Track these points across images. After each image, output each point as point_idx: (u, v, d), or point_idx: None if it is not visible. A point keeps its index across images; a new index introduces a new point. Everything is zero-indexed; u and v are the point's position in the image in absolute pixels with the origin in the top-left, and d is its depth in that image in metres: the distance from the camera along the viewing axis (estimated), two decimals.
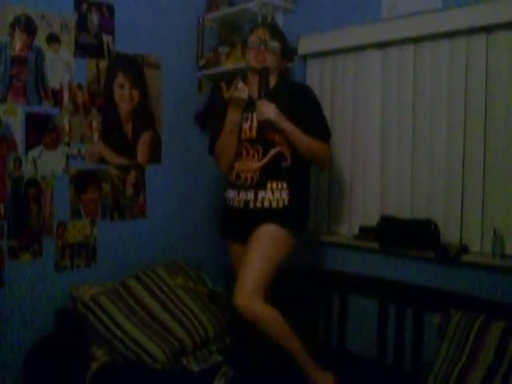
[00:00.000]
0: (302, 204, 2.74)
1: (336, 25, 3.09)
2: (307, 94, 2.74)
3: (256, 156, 2.64)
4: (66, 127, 3.03)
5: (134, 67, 3.29)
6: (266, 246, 2.57)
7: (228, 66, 3.42)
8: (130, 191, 3.32)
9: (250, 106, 2.61)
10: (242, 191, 2.65)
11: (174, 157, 3.52)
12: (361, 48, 3.06)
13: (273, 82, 2.69)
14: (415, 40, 2.86)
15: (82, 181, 3.11)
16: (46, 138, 2.96)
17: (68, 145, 3.04)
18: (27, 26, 2.86)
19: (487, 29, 2.63)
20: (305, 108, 2.66)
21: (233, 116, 2.62)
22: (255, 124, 2.63)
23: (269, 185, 2.61)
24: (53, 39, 2.96)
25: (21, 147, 2.88)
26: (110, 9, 3.17)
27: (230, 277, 3.35)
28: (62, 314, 2.96)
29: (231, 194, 2.71)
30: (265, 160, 2.62)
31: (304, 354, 2.51)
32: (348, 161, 3.18)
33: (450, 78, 2.78)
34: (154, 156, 3.42)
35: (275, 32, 2.73)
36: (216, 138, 2.74)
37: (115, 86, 3.22)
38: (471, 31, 2.67)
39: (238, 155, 2.68)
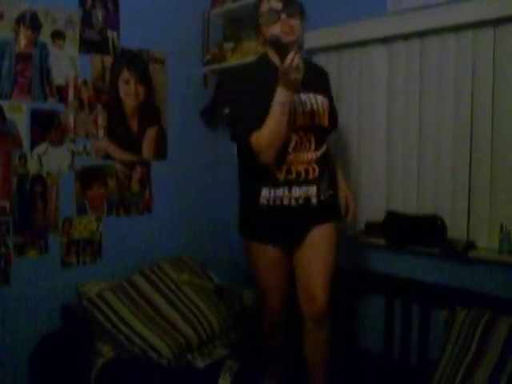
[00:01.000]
0: (336, 188, 2.57)
1: (341, 19, 3.06)
2: (328, 77, 2.62)
3: (308, 146, 2.36)
4: (71, 123, 3.03)
5: (139, 63, 3.28)
6: (332, 248, 2.45)
7: (233, 61, 3.40)
8: (135, 187, 3.31)
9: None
10: (296, 186, 2.33)
11: (179, 152, 3.52)
12: (366, 43, 3.03)
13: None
14: (421, 34, 2.83)
15: (88, 177, 3.12)
16: (51, 134, 2.96)
17: (73, 141, 3.04)
18: (32, 22, 2.86)
19: (494, 22, 2.59)
20: (330, 93, 2.53)
21: (288, 95, 2.16)
22: (308, 108, 2.33)
23: (326, 175, 2.41)
24: (57, 35, 2.96)
25: (26, 144, 2.88)
26: (115, 4, 3.16)
27: (239, 274, 3.38)
28: (67, 311, 2.96)
29: (277, 192, 2.34)
30: (321, 150, 2.40)
31: (326, 368, 2.50)
32: (354, 156, 3.16)
33: (456, 72, 2.75)
34: (160, 152, 3.42)
35: None
36: (253, 121, 2.25)
37: (120, 82, 3.21)
38: (478, 25, 2.63)
39: (289, 146, 2.32)
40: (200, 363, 2.78)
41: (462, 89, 2.73)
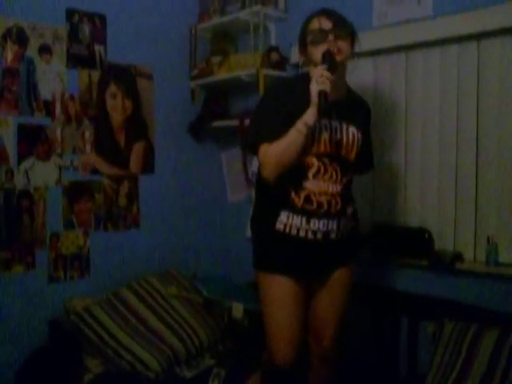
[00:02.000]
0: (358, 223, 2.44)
1: None
2: (369, 113, 2.43)
3: (334, 177, 2.19)
4: (59, 138, 3.03)
5: (126, 77, 3.29)
6: (348, 294, 2.39)
7: (221, 75, 3.41)
8: (123, 201, 3.31)
9: (329, 111, 2.13)
10: (315, 219, 2.16)
11: (167, 166, 3.52)
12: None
13: (343, 88, 2.27)
14: (406, 48, 2.86)
15: (75, 192, 3.11)
16: (38, 149, 2.96)
17: (60, 156, 3.04)
18: (19, 38, 2.87)
19: (478, 36, 2.62)
20: (368, 129, 2.37)
21: (311, 113, 2.03)
22: (336, 137, 2.17)
23: (348, 211, 2.27)
24: (44, 50, 2.96)
25: (13, 158, 2.88)
26: (102, 19, 3.17)
27: (227, 287, 3.37)
28: (55, 326, 2.95)
29: (295, 220, 2.17)
30: (344, 182, 2.22)
31: None
32: None
33: (441, 86, 2.77)
34: (147, 166, 3.42)
35: (339, 18, 2.19)
36: (269, 133, 2.12)
37: (107, 97, 3.22)
38: (462, 38, 2.66)
39: (309, 171, 2.17)
40: (187, 374, 2.79)
41: (447, 101, 2.76)
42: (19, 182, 2.90)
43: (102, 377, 2.70)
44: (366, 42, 2.90)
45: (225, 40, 3.55)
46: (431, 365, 2.46)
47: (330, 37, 2.12)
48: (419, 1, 2.75)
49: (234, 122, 3.31)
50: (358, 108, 2.34)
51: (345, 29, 2.17)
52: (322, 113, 2.02)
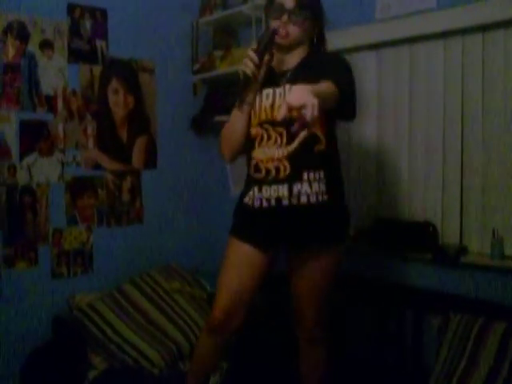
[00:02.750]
0: (342, 197, 2.31)
1: (330, 26, 3.06)
2: (340, 61, 2.29)
3: (279, 141, 2.15)
4: (61, 134, 3.02)
5: (128, 72, 3.28)
6: (333, 279, 2.32)
7: (223, 69, 3.40)
8: (126, 197, 3.30)
9: (272, 80, 2.20)
10: (266, 186, 2.16)
11: (169, 161, 3.51)
12: (356, 49, 3.04)
13: (303, 53, 2.26)
14: (410, 40, 2.84)
15: (78, 187, 3.10)
16: (40, 144, 2.95)
17: (63, 151, 3.03)
18: (20, 33, 2.86)
19: (483, 28, 2.60)
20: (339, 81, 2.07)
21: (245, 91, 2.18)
22: (278, 102, 2.14)
23: (305, 175, 2.14)
24: (46, 45, 2.95)
25: (15, 154, 2.87)
26: (103, 13, 3.16)
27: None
28: (58, 322, 2.95)
29: (250, 191, 2.23)
30: (294, 145, 2.11)
31: None
32: (343, 162, 3.15)
33: (445, 78, 2.76)
34: (150, 161, 3.41)
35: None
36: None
37: (109, 92, 3.21)
38: (466, 30, 2.65)
39: (256, 141, 2.20)
40: None
41: (451, 94, 2.74)
42: (22, 177, 2.89)
43: (107, 373, 2.70)
44: (368, 34, 2.94)
45: (227, 34, 3.54)
46: (437, 359, 2.45)
47: (284, 17, 2.15)
48: None
49: None
50: (316, 64, 2.21)
51: (304, 12, 2.18)
52: (243, 90, 2.17)
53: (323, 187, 2.16)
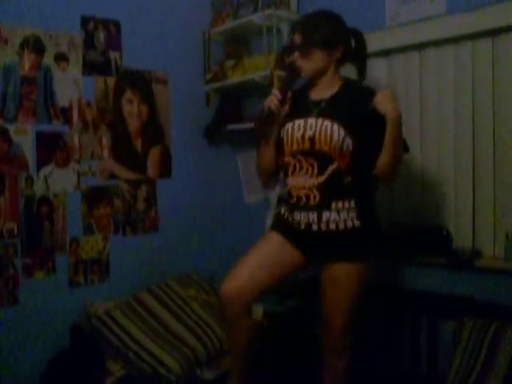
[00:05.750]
0: (374, 223, 2.40)
1: None
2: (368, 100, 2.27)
3: (310, 171, 2.29)
4: (76, 144, 3.06)
5: (141, 83, 3.32)
6: (355, 289, 2.35)
7: (235, 78, 3.44)
8: (141, 206, 3.34)
9: (305, 110, 2.34)
10: (297, 211, 2.32)
11: (184, 170, 3.54)
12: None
13: (337, 83, 2.35)
14: (420, 46, 2.86)
15: (94, 197, 3.14)
16: (56, 155, 2.99)
17: (79, 162, 3.07)
18: (36, 46, 2.91)
19: (492, 32, 2.62)
20: (375, 122, 2.21)
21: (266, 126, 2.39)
22: (309, 133, 2.28)
23: (333, 205, 2.27)
24: (61, 58, 3.00)
25: (32, 166, 2.91)
26: (117, 26, 3.20)
27: None
28: (76, 330, 2.97)
29: (286, 211, 2.41)
30: (324, 176, 2.27)
31: None
32: None
33: (456, 83, 2.78)
34: (164, 170, 3.44)
35: (308, 27, 2.32)
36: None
37: (124, 102, 3.25)
38: (476, 35, 2.67)
39: (289, 169, 2.36)
40: (208, 376, 2.81)
41: (461, 99, 2.76)
42: (39, 188, 2.93)
43: (124, 380, 2.72)
44: (379, 41, 2.96)
45: (238, 43, 3.58)
46: (451, 363, 2.45)
47: (295, 53, 2.33)
48: None
49: (249, 125, 3.33)
50: (349, 101, 2.32)
51: (310, 45, 2.30)
52: (265, 123, 2.36)
53: (353, 215, 2.28)
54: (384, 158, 2.22)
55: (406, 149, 2.36)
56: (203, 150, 3.65)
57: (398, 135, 2.20)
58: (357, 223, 2.29)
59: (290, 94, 2.33)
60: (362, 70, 2.44)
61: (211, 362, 2.89)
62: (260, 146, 2.46)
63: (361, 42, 2.42)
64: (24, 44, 2.87)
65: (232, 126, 3.50)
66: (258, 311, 3.14)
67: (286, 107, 2.34)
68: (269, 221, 3.51)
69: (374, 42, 2.96)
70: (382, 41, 2.95)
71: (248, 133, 3.36)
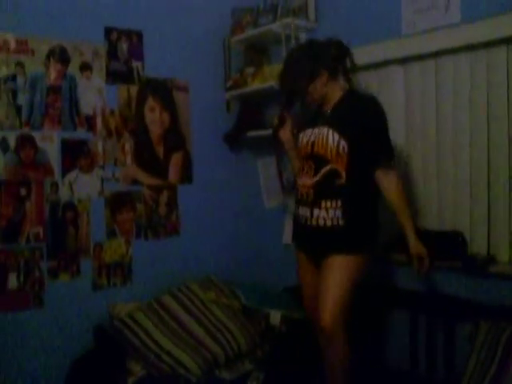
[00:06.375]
0: (362, 222, 2.62)
1: (358, 42, 3.13)
2: (372, 108, 2.61)
3: (309, 172, 2.63)
4: (100, 151, 3.16)
5: (163, 91, 3.41)
6: (337, 276, 2.55)
7: (255, 85, 3.49)
8: (163, 210, 3.42)
9: (315, 120, 2.68)
10: (302, 206, 2.68)
11: (204, 176, 3.61)
12: (383, 64, 3.11)
13: (339, 92, 2.65)
14: (436, 54, 2.90)
15: (117, 202, 3.23)
16: (81, 162, 3.09)
17: (102, 168, 3.17)
18: (61, 56, 3.01)
19: (507, 40, 2.64)
20: (369, 127, 2.56)
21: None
22: (311, 139, 2.64)
23: (323, 203, 2.58)
24: (85, 67, 3.10)
25: (57, 172, 3.01)
26: (139, 36, 3.30)
27: (265, 294, 3.44)
28: (99, 331, 3.05)
29: (296, 208, 2.77)
30: (317, 177, 2.60)
31: None
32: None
33: (471, 90, 2.81)
34: (186, 175, 3.52)
35: (285, 82, 2.71)
36: None
37: (146, 110, 3.34)
38: (491, 43, 2.69)
39: (299, 171, 2.74)
40: (227, 376, 2.88)
41: (477, 106, 2.79)
42: (64, 194, 3.03)
43: (145, 379, 2.79)
44: (395, 49, 3.01)
45: (258, 51, 3.64)
46: (467, 365, 2.48)
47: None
48: (447, 8, 2.79)
49: (269, 132, 3.38)
50: (347, 110, 2.63)
51: (298, 93, 2.69)
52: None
53: (339, 214, 2.57)
54: (390, 199, 2.65)
55: (390, 156, 2.62)
56: (224, 156, 3.72)
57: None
58: (341, 222, 2.57)
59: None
60: (348, 78, 2.76)
61: (229, 365, 2.95)
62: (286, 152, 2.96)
63: (342, 51, 2.71)
64: (50, 54, 2.97)
65: (252, 133, 3.56)
66: (276, 317, 3.19)
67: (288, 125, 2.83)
68: (288, 226, 3.59)
69: (391, 50, 3.03)
70: (399, 49, 2.99)
71: (268, 139, 3.42)
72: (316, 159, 2.61)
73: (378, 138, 2.58)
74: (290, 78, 2.66)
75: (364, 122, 2.56)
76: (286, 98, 2.83)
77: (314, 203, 2.60)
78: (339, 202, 2.56)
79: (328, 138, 2.56)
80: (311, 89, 2.62)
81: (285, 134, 2.85)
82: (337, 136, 2.54)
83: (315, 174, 2.60)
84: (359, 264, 2.59)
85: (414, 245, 2.62)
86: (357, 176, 2.57)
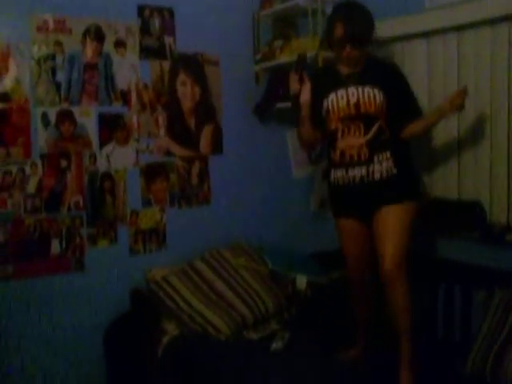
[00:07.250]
0: (410, 170, 2.86)
1: (383, 15, 3.19)
2: (396, 72, 2.91)
3: (357, 132, 2.74)
4: (135, 124, 3.31)
5: (194, 65, 3.52)
6: (396, 223, 2.73)
7: (283, 58, 3.56)
8: (195, 180, 3.56)
9: (341, 82, 2.79)
10: (351, 168, 2.77)
11: (234, 147, 3.72)
12: (407, 37, 3.17)
13: (362, 60, 2.80)
14: (458, 28, 2.95)
15: (151, 172, 3.39)
16: (117, 135, 3.25)
17: (137, 140, 3.32)
18: (96, 35, 3.15)
19: None
20: (397, 87, 2.82)
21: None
22: (353, 100, 2.74)
23: (375, 158, 2.73)
24: (119, 44, 3.23)
25: (95, 144, 3.18)
26: (170, 12, 3.41)
27: (292, 259, 3.57)
28: (136, 294, 3.21)
29: (338, 173, 2.83)
30: (369, 135, 2.73)
31: (409, 335, 2.69)
32: None
33: (492, 63, 2.86)
34: (216, 147, 3.65)
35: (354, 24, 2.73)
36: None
37: (178, 84, 3.46)
38: None
39: (337, 133, 2.79)
40: (254, 336, 3.05)
41: (499, 79, 2.84)
42: (101, 165, 3.20)
43: (178, 338, 2.97)
44: (418, 23, 3.06)
45: (286, 25, 3.70)
46: (480, 329, 2.60)
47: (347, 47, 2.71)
48: None
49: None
50: (376, 71, 2.82)
51: (363, 45, 2.75)
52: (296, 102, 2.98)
53: (392, 164, 2.74)
54: (415, 129, 2.83)
55: (419, 112, 2.87)
56: (253, 128, 3.81)
57: (437, 122, 2.84)
58: (394, 171, 2.74)
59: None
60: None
61: (257, 326, 3.12)
62: (300, 120, 2.96)
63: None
64: (86, 33, 3.11)
65: (280, 104, 3.64)
66: (302, 281, 3.32)
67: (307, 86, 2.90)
68: (316, 195, 3.71)
69: (414, 24, 3.09)
70: (422, 23, 3.05)
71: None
72: (364, 118, 2.73)
73: (407, 97, 2.84)
74: (362, 24, 2.73)
75: (392, 82, 2.79)
76: (298, 60, 2.99)
77: (370, 160, 2.73)
78: (388, 154, 2.74)
79: (376, 96, 2.71)
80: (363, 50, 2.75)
81: (305, 97, 2.91)
82: (382, 93, 2.72)
83: (366, 132, 2.73)
84: (413, 210, 2.78)
85: (444, 101, 2.80)
86: (395, 130, 2.78)
